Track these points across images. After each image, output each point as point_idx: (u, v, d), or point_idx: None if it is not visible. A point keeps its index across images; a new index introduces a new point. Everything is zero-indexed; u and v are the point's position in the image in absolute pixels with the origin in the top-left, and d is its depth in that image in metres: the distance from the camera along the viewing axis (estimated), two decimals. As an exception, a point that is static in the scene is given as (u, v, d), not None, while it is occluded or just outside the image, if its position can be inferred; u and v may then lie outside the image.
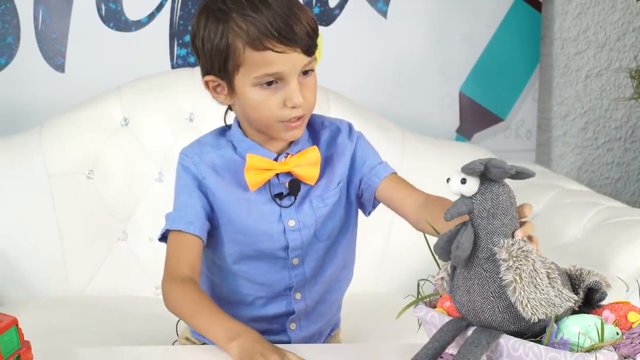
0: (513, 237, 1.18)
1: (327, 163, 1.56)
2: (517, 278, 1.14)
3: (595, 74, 2.73)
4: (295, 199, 1.53)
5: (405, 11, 2.59)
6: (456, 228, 1.19)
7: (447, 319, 1.25)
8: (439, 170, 1.98)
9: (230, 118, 1.59)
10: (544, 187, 2.14)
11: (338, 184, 1.56)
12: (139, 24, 2.47)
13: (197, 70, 2.36)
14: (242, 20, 1.42)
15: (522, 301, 1.14)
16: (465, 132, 2.68)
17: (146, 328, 1.97)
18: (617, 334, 1.19)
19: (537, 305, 1.15)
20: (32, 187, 2.20)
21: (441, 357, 1.29)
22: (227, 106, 1.57)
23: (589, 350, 1.14)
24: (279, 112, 1.45)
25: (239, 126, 1.55)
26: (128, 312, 2.10)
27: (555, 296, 1.16)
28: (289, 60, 1.43)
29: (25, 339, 1.27)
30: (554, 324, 1.15)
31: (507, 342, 1.17)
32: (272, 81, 1.44)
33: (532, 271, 1.15)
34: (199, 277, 1.50)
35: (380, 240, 2.28)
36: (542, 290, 1.15)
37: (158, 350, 1.57)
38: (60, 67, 2.45)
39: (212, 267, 1.60)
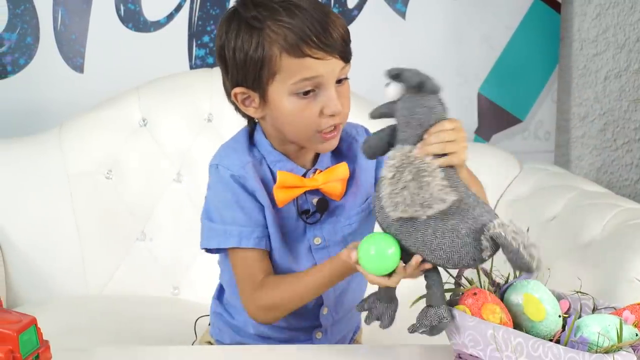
0: None
1: (351, 177, 1.51)
2: (389, 175, 1.20)
3: (615, 75, 2.71)
4: (321, 216, 1.50)
5: (424, 12, 2.58)
6: (383, 129, 1.25)
7: (468, 317, 1.25)
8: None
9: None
10: (563, 189, 2.14)
11: (366, 200, 1.52)
12: (157, 25, 2.48)
13: (216, 70, 2.37)
14: (277, 27, 1.37)
15: (385, 197, 1.19)
16: (483, 133, 2.67)
17: (164, 328, 1.97)
18: (636, 335, 1.19)
19: (398, 202, 1.18)
20: (51, 187, 2.21)
21: (460, 358, 1.30)
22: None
23: (608, 351, 1.14)
24: (317, 121, 1.41)
25: (265, 137, 1.49)
26: (146, 312, 2.11)
27: (422, 202, 1.18)
28: (327, 66, 1.40)
29: (44, 338, 1.28)
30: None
31: (527, 342, 1.17)
32: (309, 91, 1.40)
33: (409, 174, 1.19)
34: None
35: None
36: (409, 189, 1.19)
37: (176, 350, 1.57)
38: (79, 68, 2.46)
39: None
